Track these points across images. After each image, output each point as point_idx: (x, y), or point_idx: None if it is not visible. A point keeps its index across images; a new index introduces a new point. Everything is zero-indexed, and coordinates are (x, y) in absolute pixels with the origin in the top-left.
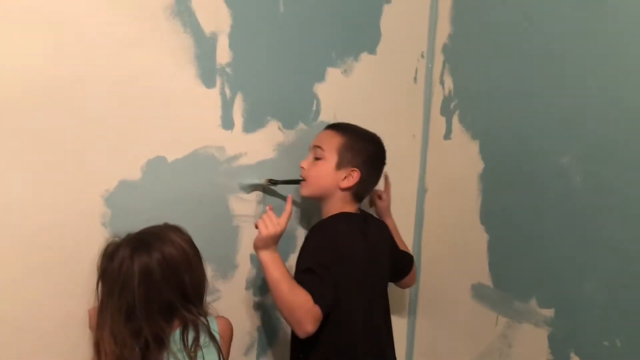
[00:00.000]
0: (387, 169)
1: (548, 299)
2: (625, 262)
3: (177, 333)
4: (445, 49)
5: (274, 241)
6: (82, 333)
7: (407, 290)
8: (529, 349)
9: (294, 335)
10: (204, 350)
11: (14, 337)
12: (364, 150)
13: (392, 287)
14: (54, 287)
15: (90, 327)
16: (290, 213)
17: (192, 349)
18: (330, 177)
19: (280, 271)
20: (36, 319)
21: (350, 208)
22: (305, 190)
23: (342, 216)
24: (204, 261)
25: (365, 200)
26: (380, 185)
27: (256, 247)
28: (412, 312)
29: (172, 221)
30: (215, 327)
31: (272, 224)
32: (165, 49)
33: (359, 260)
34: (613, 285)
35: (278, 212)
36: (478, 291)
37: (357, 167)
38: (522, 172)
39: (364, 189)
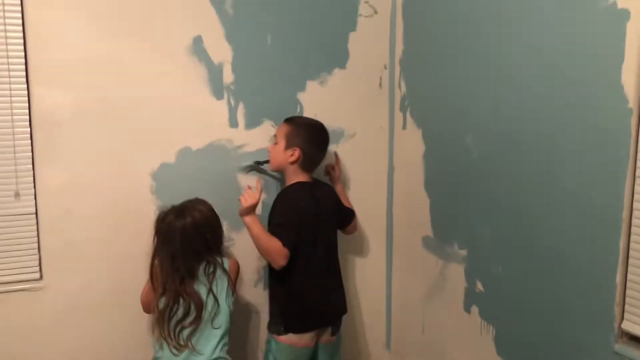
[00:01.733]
0: (364, 153)
1: (463, 243)
2: (504, 214)
3: (202, 268)
4: (401, 62)
5: (252, 209)
6: (143, 260)
7: (385, 240)
8: (454, 280)
9: (270, 268)
10: (218, 280)
11: (103, 249)
12: (303, 134)
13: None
14: (125, 230)
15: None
16: (261, 190)
17: (210, 279)
18: (281, 156)
19: (258, 227)
20: (114, 250)
21: (302, 178)
22: (270, 166)
23: (296, 185)
24: (222, 220)
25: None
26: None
27: (240, 214)
28: (388, 257)
29: (196, 191)
30: (226, 265)
31: (250, 198)
32: (188, 76)
33: (310, 215)
34: (497, 230)
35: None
36: (425, 241)
37: (298, 147)
38: (444, 150)
39: (309, 163)
